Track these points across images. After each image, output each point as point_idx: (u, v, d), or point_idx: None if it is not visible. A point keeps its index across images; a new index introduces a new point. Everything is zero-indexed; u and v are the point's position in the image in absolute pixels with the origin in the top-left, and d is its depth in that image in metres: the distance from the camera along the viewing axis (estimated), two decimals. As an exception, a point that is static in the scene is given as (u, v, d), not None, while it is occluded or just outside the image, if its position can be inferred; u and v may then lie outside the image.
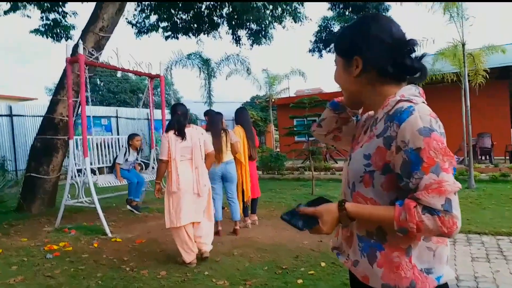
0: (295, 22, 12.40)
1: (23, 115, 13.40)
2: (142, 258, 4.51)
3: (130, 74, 33.21)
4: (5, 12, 9.91)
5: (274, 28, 12.76)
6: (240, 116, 6.01)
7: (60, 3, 10.30)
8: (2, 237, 5.66)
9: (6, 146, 12.78)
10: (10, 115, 13.14)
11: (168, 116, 5.45)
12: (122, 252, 4.77)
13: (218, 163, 5.25)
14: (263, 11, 11.71)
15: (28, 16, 10.50)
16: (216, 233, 5.18)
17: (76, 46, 6.58)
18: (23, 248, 5.06)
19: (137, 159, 7.25)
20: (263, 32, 12.70)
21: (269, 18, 12.21)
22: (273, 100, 19.85)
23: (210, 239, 4.46)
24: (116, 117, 16.77)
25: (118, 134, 15.63)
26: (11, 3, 9.78)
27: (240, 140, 5.59)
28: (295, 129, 10.44)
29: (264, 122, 25.02)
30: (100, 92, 33.46)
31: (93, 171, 6.25)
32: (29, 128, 13.39)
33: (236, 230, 5.42)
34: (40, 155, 7.41)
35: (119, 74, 32.47)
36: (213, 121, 5.52)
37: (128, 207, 6.84)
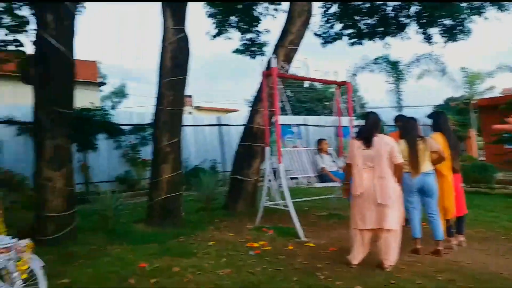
0: (501, 11, 10.51)
1: (228, 125, 15.40)
2: (335, 268, 4.47)
3: (316, 83, 34.61)
4: (213, 36, 11.59)
5: (472, 21, 11.12)
6: (439, 121, 5.37)
7: (254, 23, 11.33)
8: (215, 230, 6.53)
9: (216, 151, 14.91)
10: (219, 125, 15.28)
11: (355, 123, 5.43)
12: (315, 258, 4.83)
13: (415, 174, 4.80)
14: (458, 4, 10.36)
15: (229, 38, 11.97)
16: (414, 251, 4.74)
17: (269, 61, 7.13)
18: (230, 242, 5.69)
19: (334, 161, 7.27)
20: (459, 27, 11.21)
21: (466, 11, 10.70)
22: (474, 101, 17.37)
23: (392, 253, 4.36)
24: (304, 124, 17.55)
25: (306, 141, 16.34)
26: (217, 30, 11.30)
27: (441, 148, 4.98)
28: (506, 135, 8.79)
29: (463, 127, 22.12)
30: (291, 102, 35.66)
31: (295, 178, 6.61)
32: (234, 136, 15.28)
33: (438, 251, 4.80)
34: (242, 159, 8.30)
35: (306, 84, 34.02)
36: (407, 127, 5.08)
37: None
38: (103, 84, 22.17)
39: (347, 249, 5.18)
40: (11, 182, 9.12)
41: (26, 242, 3.18)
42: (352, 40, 12.34)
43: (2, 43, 7.57)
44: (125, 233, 6.25)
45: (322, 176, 6.97)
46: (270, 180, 6.46)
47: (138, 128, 12.41)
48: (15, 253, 3.11)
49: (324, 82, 7.24)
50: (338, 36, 12.53)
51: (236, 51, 11.89)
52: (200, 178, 8.96)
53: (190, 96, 29.09)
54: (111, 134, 11.58)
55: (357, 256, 4.50)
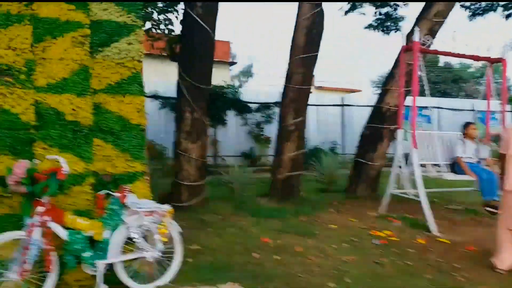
0: None
1: (352, 105, 14.83)
2: (477, 271, 3.93)
3: (453, 63, 31.03)
4: (346, 12, 11.07)
5: None
6: None
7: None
8: (335, 213, 6.37)
9: (337, 132, 14.55)
10: (342, 105, 14.82)
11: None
12: (451, 257, 4.33)
13: None
14: None
15: (363, 14, 11.30)
16: None
17: (410, 34, 6.48)
18: (352, 228, 5.47)
19: (477, 151, 6.31)
20: None
21: None
22: None
23: None
24: (438, 107, 15.94)
25: (438, 126, 14.87)
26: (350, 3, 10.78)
27: None
28: None
29: None
30: (421, 83, 32.82)
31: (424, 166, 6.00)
32: (356, 117, 14.69)
33: None
34: (367, 142, 7.87)
35: (441, 63, 30.80)
36: None
37: (487, 209, 5.82)
38: (233, 63, 23.33)
39: (490, 250, 4.54)
40: (153, 151, 10.23)
41: (167, 207, 3.46)
42: (509, 12, 10.57)
43: (155, 23, 8.33)
44: (248, 206, 6.51)
45: (455, 165, 6.14)
46: (400, 166, 5.98)
47: (264, 106, 12.75)
48: (157, 217, 3.40)
49: (475, 59, 6.31)
50: (491, 7, 10.85)
51: (369, 26, 11.23)
52: (321, 158, 8.84)
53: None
54: (239, 111, 12.13)
55: (505, 260, 3.92)
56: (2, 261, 2.88)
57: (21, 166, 2.87)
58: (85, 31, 3.28)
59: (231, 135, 12.78)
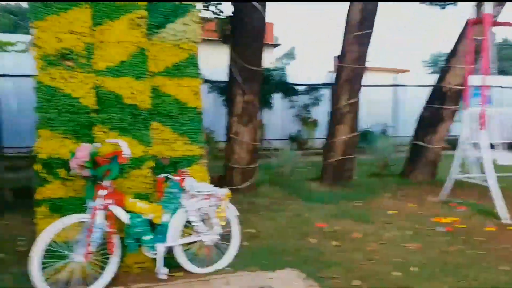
0: None
1: (405, 85, 14.15)
2: (560, 264, 3.58)
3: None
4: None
5: None
6: None
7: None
8: (392, 198, 6.09)
9: (388, 113, 13.97)
10: (394, 85, 14.18)
11: None
12: (527, 248, 3.98)
13: None
14: None
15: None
16: None
17: (478, 7, 5.94)
18: (412, 214, 5.19)
19: None
20: None
21: None
22: None
23: None
24: (499, 87, 14.82)
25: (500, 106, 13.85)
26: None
27: None
28: None
29: None
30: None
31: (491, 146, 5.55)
32: (408, 98, 14.01)
33: None
34: (426, 124, 7.42)
35: (498, 39, 28.62)
36: None
37: None
38: (277, 45, 22.96)
39: None
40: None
41: (224, 191, 3.40)
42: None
43: (206, 4, 8.20)
44: (299, 190, 6.38)
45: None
46: (465, 150, 5.57)
47: (312, 88, 12.44)
48: (215, 200, 3.35)
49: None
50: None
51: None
52: (374, 141, 8.50)
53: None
54: (286, 93, 11.91)
55: None
56: (67, 243, 2.95)
57: (83, 150, 2.89)
58: (142, 13, 3.23)
59: (277, 118, 12.60)
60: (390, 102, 14.29)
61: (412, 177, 7.39)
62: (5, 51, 12.25)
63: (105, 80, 3.17)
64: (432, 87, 7.57)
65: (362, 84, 6.68)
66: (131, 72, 3.21)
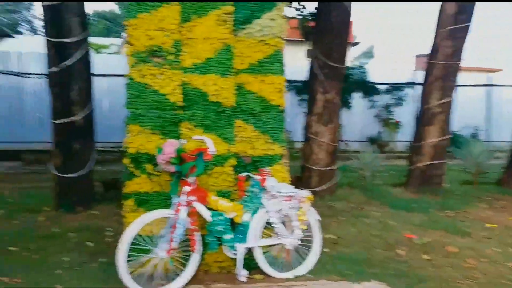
0: None
1: (500, 85, 12.82)
2: None
3: None
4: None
5: None
6: None
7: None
8: (489, 209, 5.48)
9: (479, 116, 12.75)
10: (490, 85, 12.90)
11: None
12: None
13: None
14: None
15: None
16: None
17: None
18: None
19: None
20: None
21: None
22: None
23: None
24: None
25: None
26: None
27: None
28: None
29: None
30: None
31: None
32: (504, 100, 12.68)
33: None
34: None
35: None
36: None
37: None
38: (356, 44, 22.21)
39: None
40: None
41: (306, 193, 3.24)
42: None
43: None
44: (382, 195, 5.99)
45: None
46: None
47: (394, 88, 11.75)
48: (296, 202, 3.20)
49: None
50: None
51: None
52: (463, 146, 7.74)
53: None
54: (366, 93, 11.39)
55: None
56: (151, 237, 3.00)
57: (170, 146, 2.91)
58: (229, 9, 3.19)
59: (356, 119, 12.06)
60: (483, 103, 13.01)
61: (509, 186, 6.60)
62: (99, 53, 13.32)
63: (191, 77, 3.18)
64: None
65: (456, 82, 6.08)
66: (216, 69, 3.18)
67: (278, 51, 3.27)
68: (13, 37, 12.90)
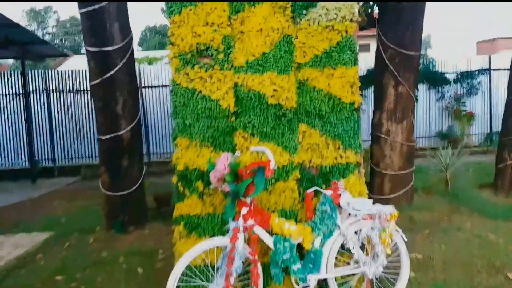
0: None
1: None
2: None
3: None
4: None
5: None
6: None
7: None
8: None
9: None
10: None
11: None
12: None
13: None
14: None
15: None
16: None
17: None
18: None
19: None
20: None
21: None
22: None
23: None
24: None
25: None
26: None
27: None
28: None
29: None
30: None
31: None
32: None
33: None
34: None
35: None
36: None
37: None
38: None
39: None
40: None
41: (390, 210, 2.61)
42: None
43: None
44: (470, 200, 5.15)
45: None
46: None
47: (465, 76, 10.55)
48: (378, 221, 2.60)
49: None
50: None
51: None
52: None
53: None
54: (434, 83, 10.30)
55: None
56: (203, 270, 2.55)
57: (223, 160, 2.42)
58: (287, -8, 2.65)
59: (423, 113, 10.98)
60: None
61: None
62: (152, 65, 13.42)
63: (245, 77, 2.68)
64: None
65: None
66: (274, 66, 2.66)
67: (348, 37, 2.67)
68: (68, 56, 13.27)
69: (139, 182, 4.61)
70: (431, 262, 3.39)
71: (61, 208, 5.71)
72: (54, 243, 4.25)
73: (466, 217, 4.54)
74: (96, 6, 4.20)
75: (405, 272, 2.74)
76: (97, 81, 4.31)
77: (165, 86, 9.75)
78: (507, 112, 5.51)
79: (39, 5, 43.80)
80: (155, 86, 10.01)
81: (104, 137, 4.41)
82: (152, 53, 19.04)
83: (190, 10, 2.71)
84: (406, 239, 2.73)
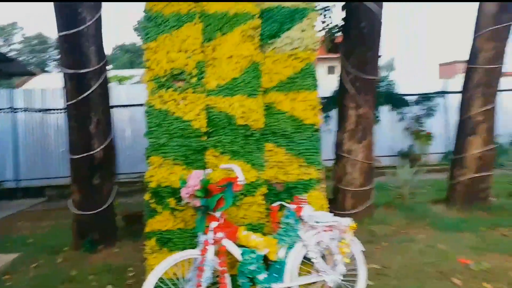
0: None
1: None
2: None
3: None
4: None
5: None
6: None
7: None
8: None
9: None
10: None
11: None
12: None
13: None
14: None
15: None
16: None
17: None
18: None
19: None
20: None
21: None
22: None
23: None
24: None
25: None
26: None
27: None
28: None
29: None
30: None
31: None
32: None
33: None
34: None
35: None
36: None
37: None
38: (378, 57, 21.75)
39: None
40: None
41: (348, 222, 2.86)
42: None
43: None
44: (424, 214, 5.50)
45: None
46: None
47: (424, 98, 11.23)
48: (337, 233, 2.84)
49: None
50: None
51: None
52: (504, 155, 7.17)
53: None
54: (395, 105, 10.90)
55: None
56: (175, 281, 2.68)
57: (195, 177, 2.61)
58: (255, 23, 2.93)
59: (385, 133, 11.54)
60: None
61: None
62: (122, 84, 13.41)
63: (216, 99, 2.90)
64: None
65: (498, 88, 5.61)
66: (243, 90, 2.90)
67: (310, 65, 2.96)
68: (35, 74, 13.07)
69: (110, 201, 4.67)
70: (387, 271, 3.65)
71: (27, 229, 5.62)
72: (21, 263, 4.19)
73: (419, 230, 4.88)
74: (75, 30, 4.32)
75: (362, 280, 2.97)
76: (73, 101, 4.40)
77: (135, 105, 9.75)
78: (458, 132, 5.96)
79: (3, 21, 42.80)
80: (124, 106, 10.01)
81: (76, 157, 4.47)
82: (121, 72, 18.99)
83: (166, 37, 2.92)
84: (364, 249, 2.97)
